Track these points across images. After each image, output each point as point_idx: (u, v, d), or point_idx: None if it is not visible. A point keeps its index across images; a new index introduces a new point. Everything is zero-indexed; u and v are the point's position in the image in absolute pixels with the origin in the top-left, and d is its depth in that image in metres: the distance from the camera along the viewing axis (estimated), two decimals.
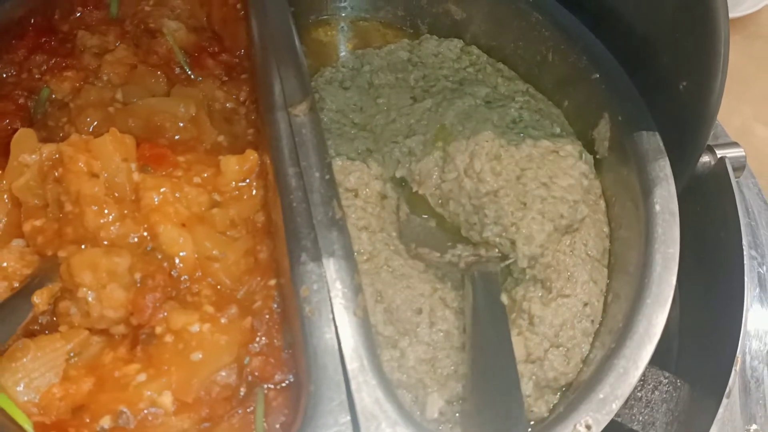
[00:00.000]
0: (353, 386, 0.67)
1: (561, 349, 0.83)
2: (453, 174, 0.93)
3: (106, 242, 0.78)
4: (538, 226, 0.87)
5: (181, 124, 0.91)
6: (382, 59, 1.11)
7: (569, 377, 0.82)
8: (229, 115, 0.96)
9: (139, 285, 0.76)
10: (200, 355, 0.72)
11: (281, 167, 0.82)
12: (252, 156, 0.88)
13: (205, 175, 0.87)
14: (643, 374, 0.84)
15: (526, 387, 0.81)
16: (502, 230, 0.88)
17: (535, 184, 0.90)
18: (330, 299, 0.73)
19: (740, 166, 0.96)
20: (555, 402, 0.82)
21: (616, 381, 0.71)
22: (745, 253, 0.86)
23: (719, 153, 0.96)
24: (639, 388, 0.83)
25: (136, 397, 0.71)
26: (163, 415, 0.70)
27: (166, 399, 0.71)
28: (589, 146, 0.99)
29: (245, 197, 0.87)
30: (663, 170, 0.87)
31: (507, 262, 0.89)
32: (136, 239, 0.79)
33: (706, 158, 0.98)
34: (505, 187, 0.90)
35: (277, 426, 0.72)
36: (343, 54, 1.13)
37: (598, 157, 0.98)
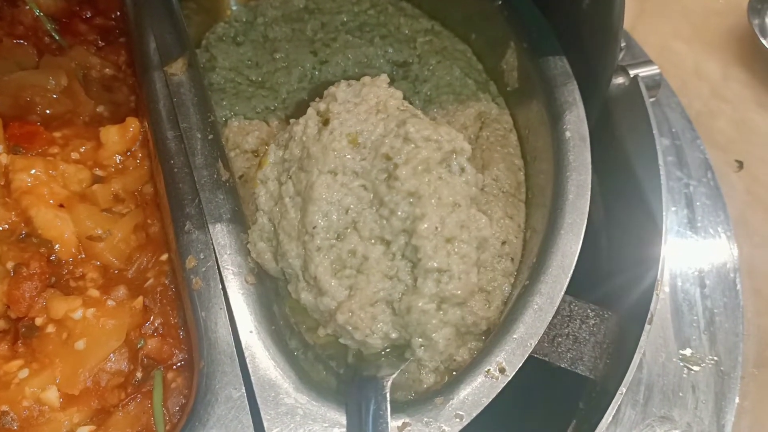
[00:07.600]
0: (247, 358, 0.62)
1: (482, 293, 0.78)
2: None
3: None
4: (444, 332, 0.71)
5: (54, 97, 0.84)
6: (276, 9, 1.04)
7: (491, 320, 0.77)
8: (109, 83, 0.89)
9: (12, 275, 0.69)
10: (83, 344, 0.66)
11: (160, 131, 0.76)
12: (133, 124, 0.81)
13: (83, 149, 0.80)
14: (569, 309, 0.81)
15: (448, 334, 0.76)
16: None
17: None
18: (219, 268, 0.67)
19: (654, 84, 0.92)
20: (481, 348, 0.78)
21: (531, 319, 0.67)
22: (662, 173, 0.82)
23: (632, 72, 0.92)
24: (565, 324, 0.80)
25: (19, 395, 0.65)
26: (49, 411, 0.65)
27: (52, 394, 0.65)
28: (500, 78, 0.94)
29: (131, 169, 0.81)
30: (571, 95, 0.82)
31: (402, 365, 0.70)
32: (7, 226, 0.73)
33: (620, 79, 0.93)
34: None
35: (177, 408, 0.67)
36: (235, 7, 1.05)
37: (509, 89, 0.93)
